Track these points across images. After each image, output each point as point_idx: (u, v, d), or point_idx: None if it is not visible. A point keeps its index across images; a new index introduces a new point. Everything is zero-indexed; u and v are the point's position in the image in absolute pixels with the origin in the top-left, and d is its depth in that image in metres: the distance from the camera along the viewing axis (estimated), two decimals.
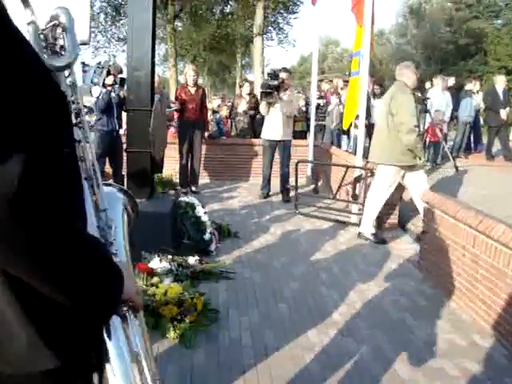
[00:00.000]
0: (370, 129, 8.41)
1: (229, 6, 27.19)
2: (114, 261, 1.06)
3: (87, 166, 1.26)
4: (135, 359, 1.19)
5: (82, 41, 1.88)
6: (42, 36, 1.24)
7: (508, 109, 11.37)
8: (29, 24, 1.18)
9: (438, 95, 10.92)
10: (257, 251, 5.52)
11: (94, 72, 6.58)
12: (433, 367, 3.21)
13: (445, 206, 4.58)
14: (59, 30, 1.28)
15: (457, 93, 11.79)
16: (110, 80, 6.86)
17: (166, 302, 3.71)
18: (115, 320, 1.17)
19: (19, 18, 1.15)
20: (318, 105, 11.01)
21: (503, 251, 3.64)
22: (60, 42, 1.29)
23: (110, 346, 1.14)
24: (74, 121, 1.26)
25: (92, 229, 1.19)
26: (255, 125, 9.89)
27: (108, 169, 7.58)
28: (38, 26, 1.22)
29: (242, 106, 9.97)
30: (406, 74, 5.80)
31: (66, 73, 1.28)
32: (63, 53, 1.28)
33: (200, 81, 8.41)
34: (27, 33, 1.17)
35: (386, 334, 3.66)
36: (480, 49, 36.59)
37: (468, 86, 12.13)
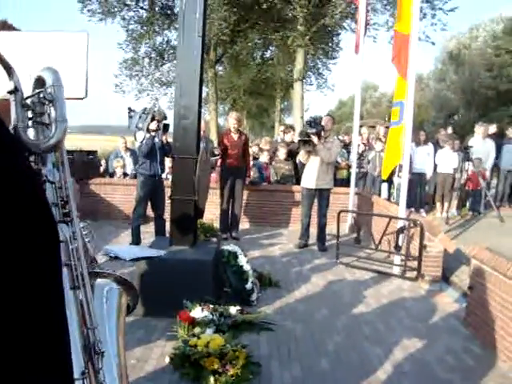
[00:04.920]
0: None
1: (269, 52, 27.72)
2: None
3: (74, 273, 1.16)
4: None
5: (78, 97, 1.91)
6: (27, 105, 1.18)
7: None
8: (11, 93, 1.14)
9: (479, 143, 10.81)
10: (298, 301, 5.45)
11: (139, 117, 6.73)
12: None
13: (495, 262, 4.46)
14: (47, 96, 1.22)
15: (499, 140, 11.62)
16: (153, 125, 6.99)
17: (208, 354, 3.68)
18: None
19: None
20: (362, 152, 11.01)
21: None
22: (48, 109, 1.23)
23: None
24: (58, 215, 1.17)
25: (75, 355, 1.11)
26: (299, 171, 9.90)
27: (150, 212, 7.67)
28: (23, 95, 1.17)
29: (282, 153, 10.03)
30: None
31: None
32: (52, 126, 1.21)
33: None
34: (12, 102, 1.13)
35: None
36: None
37: (510, 133, 11.97)
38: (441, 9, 19.25)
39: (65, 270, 1.13)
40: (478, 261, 4.76)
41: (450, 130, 13.37)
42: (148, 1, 22.13)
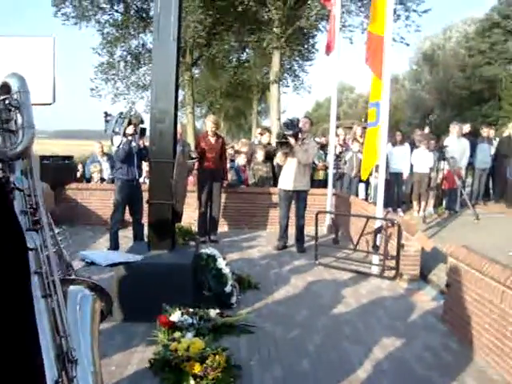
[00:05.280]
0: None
1: (245, 54, 27.76)
2: None
3: (46, 281, 1.14)
4: None
5: (45, 102, 1.88)
6: None
7: None
8: None
9: (454, 142, 10.94)
10: (278, 303, 5.46)
11: (116, 122, 6.67)
12: None
13: (470, 259, 4.52)
14: (13, 102, 1.20)
15: (473, 139, 11.78)
16: (130, 130, 6.95)
17: (189, 358, 3.67)
18: None
19: None
20: (339, 153, 11.07)
21: None
22: (14, 115, 1.20)
23: None
24: (28, 222, 1.13)
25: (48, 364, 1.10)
26: (276, 173, 9.91)
27: (128, 217, 7.62)
28: None
29: (260, 155, 10.04)
30: None
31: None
32: (19, 133, 1.18)
33: None
34: None
35: None
36: (494, 94, 36.90)
37: (484, 132, 12.15)
38: (414, 10, 19.53)
39: (36, 278, 1.11)
40: (455, 259, 4.82)
41: (426, 130, 13.53)
42: (123, 4, 22.02)
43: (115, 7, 22.12)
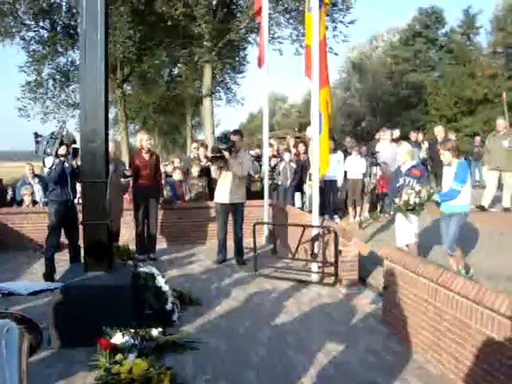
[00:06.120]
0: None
1: (177, 68, 27.70)
2: None
3: None
4: None
5: None
6: None
7: None
8: None
9: (385, 147, 11.24)
10: (220, 317, 5.44)
11: (47, 142, 6.49)
12: None
13: (405, 261, 4.67)
14: None
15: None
16: (62, 150, 6.77)
17: (132, 380, 3.60)
18: None
19: None
20: (275, 165, 11.16)
21: (464, 303, 3.72)
22: None
23: None
24: None
25: None
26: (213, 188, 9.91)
27: (64, 239, 7.40)
28: None
29: (195, 170, 10.02)
30: None
31: None
32: None
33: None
34: None
35: None
36: (421, 100, 38.40)
37: (412, 137, 12.58)
38: (341, 21, 20.12)
39: None
40: (390, 261, 4.97)
41: (348, 139, 13.77)
42: (49, 20, 21.47)
43: (40, 23, 21.58)
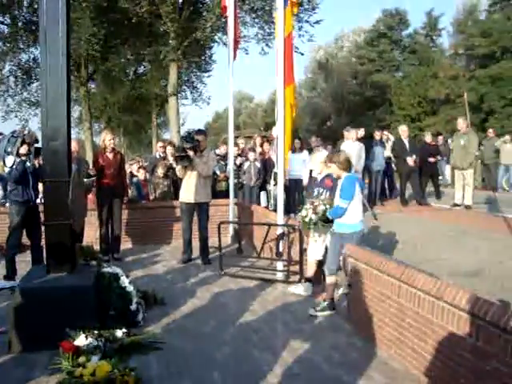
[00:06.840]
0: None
1: (142, 67, 27.43)
2: None
3: None
4: None
5: None
6: None
7: (414, 156, 11.99)
8: None
9: (350, 146, 11.34)
10: (185, 317, 5.42)
11: (8, 141, 6.37)
12: None
13: (368, 258, 4.72)
14: None
15: (368, 142, 12.32)
16: (24, 149, 6.65)
17: (96, 382, 3.55)
18: None
19: None
20: (240, 164, 11.15)
21: (427, 299, 3.79)
22: None
23: None
24: None
25: None
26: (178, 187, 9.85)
27: (26, 240, 7.26)
28: None
29: (160, 170, 9.96)
30: None
31: None
32: None
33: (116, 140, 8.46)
34: None
35: None
36: (385, 99, 38.95)
37: (377, 136, 12.76)
38: (307, 21, 20.16)
39: None
40: (354, 259, 5.02)
41: (313, 138, 13.90)
42: (9, 15, 20.99)
43: (0, 19, 21.09)
